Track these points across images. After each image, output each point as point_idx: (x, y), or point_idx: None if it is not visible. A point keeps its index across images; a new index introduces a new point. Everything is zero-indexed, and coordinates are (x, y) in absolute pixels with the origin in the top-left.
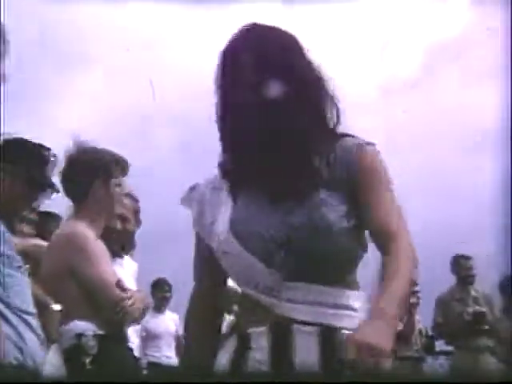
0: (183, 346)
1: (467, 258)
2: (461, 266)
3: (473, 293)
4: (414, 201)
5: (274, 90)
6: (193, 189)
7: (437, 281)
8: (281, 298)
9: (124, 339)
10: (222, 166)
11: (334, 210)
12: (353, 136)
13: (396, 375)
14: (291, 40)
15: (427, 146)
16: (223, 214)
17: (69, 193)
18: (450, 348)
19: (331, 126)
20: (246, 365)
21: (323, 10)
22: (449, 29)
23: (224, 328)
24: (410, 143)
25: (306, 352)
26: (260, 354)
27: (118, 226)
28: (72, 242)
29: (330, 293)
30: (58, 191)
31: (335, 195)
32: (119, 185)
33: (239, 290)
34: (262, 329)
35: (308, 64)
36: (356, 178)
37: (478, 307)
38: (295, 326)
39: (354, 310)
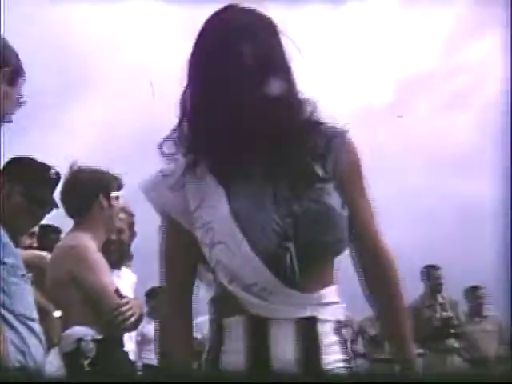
0: (160, 344)
1: (436, 268)
2: (430, 276)
3: (440, 299)
4: (393, 221)
5: (276, 85)
6: (167, 174)
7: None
8: (270, 300)
9: (120, 343)
10: (207, 155)
11: (335, 198)
12: (327, 123)
13: (370, 376)
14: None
15: (402, 167)
16: (213, 202)
17: (71, 208)
18: (421, 350)
19: (308, 115)
20: (221, 354)
21: (298, 39)
22: (422, 62)
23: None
24: (386, 167)
25: (283, 341)
26: (236, 343)
27: (114, 237)
28: (75, 252)
29: (321, 295)
30: (58, 207)
31: (330, 184)
32: (117, 199)
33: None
34: (239, 318)
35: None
36: (342, 169)
37: (445, 313)
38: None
39: (335, 303)
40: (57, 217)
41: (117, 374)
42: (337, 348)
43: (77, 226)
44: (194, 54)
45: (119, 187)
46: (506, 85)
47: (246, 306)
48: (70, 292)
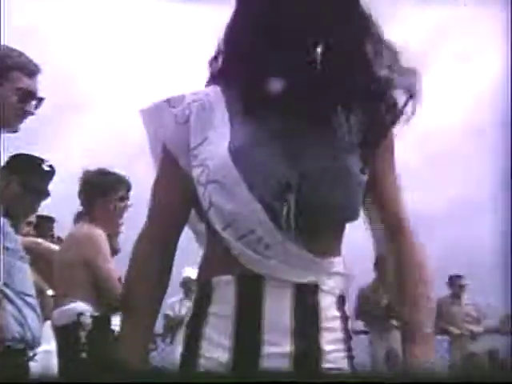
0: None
1: None
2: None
3: None
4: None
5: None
6: (174, 105)
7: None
8: (266, 255)
9: (109, 322)
10: (230, 77)
11: (355, 158)
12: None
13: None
14: None
15: None
16: (214, 139)
17: (86, 204)
18: (365, 328)
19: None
20: (204, 321)
21: None
22: None
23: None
24: None
25: (277, 309)
26: (223, 308)
27: (119, 230)
28: (90, 240)
29: (325, 262)
30: (50, 196)
31: (353, 142)
32: (123, 198)
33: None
34: (230, 277)
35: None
36: (381, 144)
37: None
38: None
39: (341, 275)
40: (52, 208)
41: (108, 346)
42: (337, 324)
43: (89, 219)
44: None
45: (126, 187)
46: (506, 85)
47: (239, 259)
48: (79, 273)
